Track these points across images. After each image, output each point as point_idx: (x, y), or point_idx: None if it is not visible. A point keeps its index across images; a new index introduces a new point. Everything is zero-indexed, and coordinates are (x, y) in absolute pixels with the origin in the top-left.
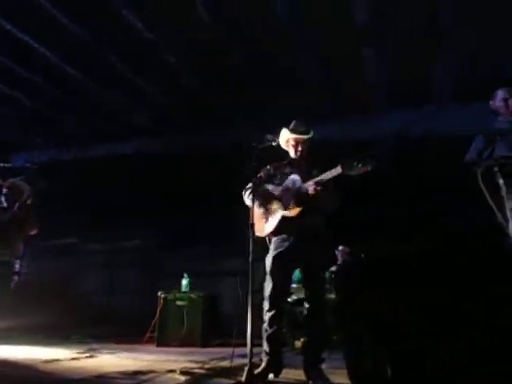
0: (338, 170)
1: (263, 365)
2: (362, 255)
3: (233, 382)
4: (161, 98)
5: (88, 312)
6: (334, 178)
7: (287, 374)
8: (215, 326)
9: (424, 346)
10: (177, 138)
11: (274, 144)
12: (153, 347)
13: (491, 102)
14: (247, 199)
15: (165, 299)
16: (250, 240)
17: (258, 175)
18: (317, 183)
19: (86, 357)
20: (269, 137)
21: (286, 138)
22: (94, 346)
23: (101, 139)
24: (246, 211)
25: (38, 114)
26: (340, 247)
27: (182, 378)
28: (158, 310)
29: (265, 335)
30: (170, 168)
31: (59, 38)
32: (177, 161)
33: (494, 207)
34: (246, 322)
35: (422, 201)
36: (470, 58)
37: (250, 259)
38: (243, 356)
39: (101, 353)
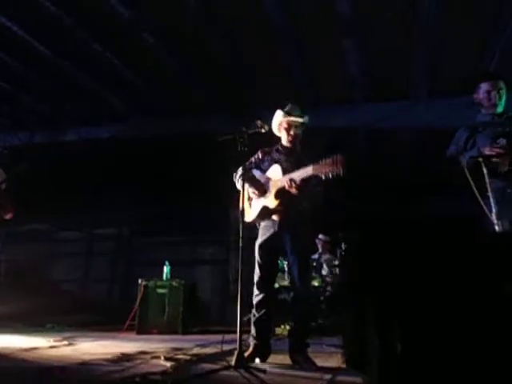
0: (308, 172)
1: (250, 349)
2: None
3: (219, 366)
4: (140, 82)
5: (63, 300)
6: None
7: (273, 358)
8: (195, 313)
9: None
10: (155, 124)
11: (263, 131)
12: (133, 335)
13: (475, 96)
14: (237, 183)
15: (145, 287)
16: (240, 224)
17: (250, 160)
18: (291, 180)
19: (65, 345)
20: (258, 123)
21: (280, 121)
22: (72, 334)
23: (76, 123)
24: (225, 199)
25: (9, 96)
26: (320, 236)
27: (168, 364)
28: (139, 298)
29: (252, 320)
30: (148, 154)
31: (33, 17)
32: (155, 147)
33: (478, 196)
34: (224, 309)
35: (394, 192)
36: (445, 55)
37: (241, 244)
38: (225, 343)
39: (79, 341)
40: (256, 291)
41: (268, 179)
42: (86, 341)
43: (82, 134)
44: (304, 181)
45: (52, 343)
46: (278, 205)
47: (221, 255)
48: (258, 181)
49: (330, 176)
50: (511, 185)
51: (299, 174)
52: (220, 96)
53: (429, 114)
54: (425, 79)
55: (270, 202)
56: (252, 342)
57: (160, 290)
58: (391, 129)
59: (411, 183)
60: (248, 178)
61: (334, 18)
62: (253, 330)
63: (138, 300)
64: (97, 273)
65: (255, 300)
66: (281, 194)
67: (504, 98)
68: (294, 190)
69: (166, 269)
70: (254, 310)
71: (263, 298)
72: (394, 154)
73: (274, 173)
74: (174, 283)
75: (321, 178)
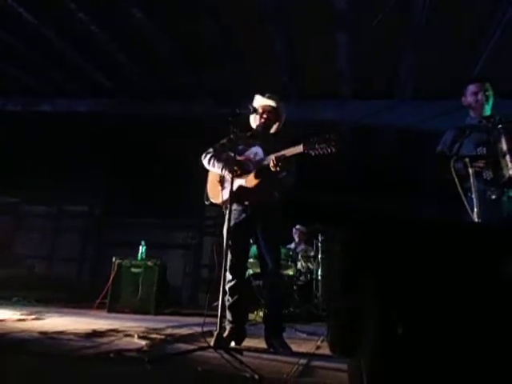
0: (299, 148)
1: (226, 332)
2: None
3: (194, 347)
4: (126, 59)
5: (30, 276)
6: (296, 156)
7: (248, 342)
8: (166, 295)
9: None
10: (137, 104)
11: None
12: (104, 313)
13: (463, 99)
14: (207, 163)
15: (119, 265)
16: (228, 208)
17: (221, 142)
18: (277, 158)
19: (33, 318)
20: (251, 106)
21: (256, 105)
22: (39, 309)
23: (53, 94)
24: (202, 184)
25: None
26: (297, 226)
27: (142, 342)
28: (112, 277)
29: (227, 304)
30: (126, 133)
31: None
32: (133, 127)
33: (463, 195)
34: (196, 294)
35: (375, 188)
36: (432, 57)
37: (226, 227)
38: (198, 325)
39: (48, 316)
40: (229, 276)
41: (248, 160)
42: (54, 316)
43: (59, 106)
44: (290, 158)
45: (19, 316)
46: (257, 184)
47: (194, 240)
48: (239, 161)
49: (322, 152)
50: (492, 189)
51: (288, 151)
52: (207, 81)
53: (413, 115)
54: (410, 80)
55: (249, 181)
56: (228, 325)
57: (134, 270)
58: (375, 126)
59: (391, 180)
60: (224, 159)
61: (327, 12)
62: (228, 315)
63: (111, 278)
64: (66, 250)
65: (228, 285)
66: (262, 173)
67: (491, 101)
68: (278, 168)
69: (141, 248)
70: (227, 295)
71: (236, 283)
72: (376, 151)
73: (256, 153)
74: (149, 263)
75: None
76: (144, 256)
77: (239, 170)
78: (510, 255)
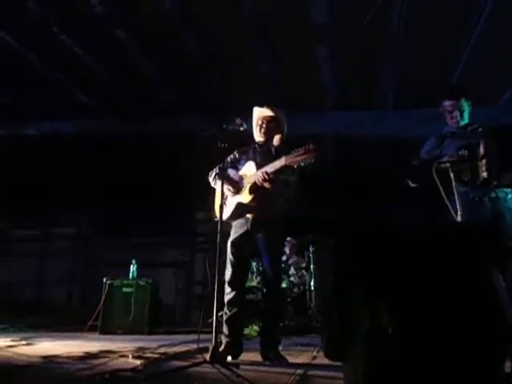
0: (281, 162)
1: (222, 347)
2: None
3: (189, 363)
4: (109, 78)
5: (20, 302)
6: (299, 170)
7: (244, 356)
8: (159, 314)
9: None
10: (124, 122)
11: (241, 129)
12: (96, 335)
13: (440, 109)
14: (212, 181)
15: (110, 286)
16: (219, 223)
17: (226, 159)
18: (263, 173)
19: (24, 344)
20: (237, 120)
21: (255, 117)
22: (29, 334)
23: (39, 117)
24: (191, 200)
25: None
26: (288, 239)
27: (137, 362)
28: (103, 297)
29: (224, 318)
30: (112, 153)
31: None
32: (120, 146)
33: (446, 199)
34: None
35: (362, 197)
36: (411, 68)
37: (218, 240)
38: (193, 342)
39: (39, 341)
40: (228, 289)
41: (242, 176)
42: (45, 340)
43: (45, 129)
44: (276, 173)
45: (9, 343)
46: (252, 200)
47: (185, 257)
48: (232, 178)
49: (303, 165)
50: (473, 191)
51: (272, 166)
52: (193, 97)
53: (395, 125)
54: (391, 90)
55: (244, 197)
56: (224, 339)
57: (126, 289)
58: (359, 137)
59: (378, 189)
60: (224, 177)
61: (308, 26)
62: (225, 329)
63: (103, 299)
64: (54, 274)
65: (227, 298)
66: (255, 188)
67: (466, 113)
68: (266, 184)
69: (132, 267)
70: (225, 308)
71: (235, 295)
72: (361, 161)
73: (248, 169)
74: (140, 282)
75: (292, 171)
76: (135, 275)
77: (233, 188)
78: (492, 254)
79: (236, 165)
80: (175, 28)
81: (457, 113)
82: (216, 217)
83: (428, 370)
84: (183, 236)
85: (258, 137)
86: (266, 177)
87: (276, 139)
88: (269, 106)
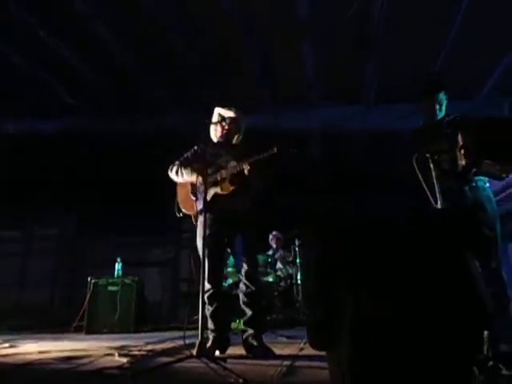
0: (273, 151)
1: (209, 342)
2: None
3: (176, 358)
4: (92, 76)
5: (0, 304)
6: (267, 164)
7: (231, 350)
8: (145, 312)
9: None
10: (106, 120)
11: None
12: (82, 335)
13: (419, 105)
14: (174, 175)
15: (95, 285)
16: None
17: (184, 155)
18: (252, 163)
19: (6, 347)
20: (207, 120)
21: (216, 117)
22: (12, 337)
23: (19, 114)
24: (176, 198)
25: None
26: (274, 233)
27: (123, 360)
28: (88, 296)
29: (208, 313)
30: (95, 151)
31: None
32: (104, 145)
33: (427, 190)
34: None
35: (346, 192)
36: (393, 62)
37: (203, 234)
38: (180, 338)
39: (22, 343)
40: (207, 285)
41: (220, 167)
42: (29, 342)
43: (26, 126)
44: (263, 163)
45: None
46: (233, 191)
47: (171, 254)
48: (205, 169)
49: (293, 153)
50: (453, 180)
51: (262, 155)
52: (179, 94)
53: (378, 119)
54: (375, 85)
55: (225, 188)
56: (211, 335)
57: (111, 288)
58: (344, 132)
59: (365, 182)
60: (194, 169)
61: (292, 22)
62: (210, 324)
63: (87, 298)
64: (37, 275)
65: (207, 294)
66: (236, 178)
67: (444, 106)
68: (252, 174)
69: (117, 265)
70: (207, 304)
71: (214, 292)
72: (348, 155)
73: (227, 161)
74: (126, 280)
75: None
76: (120, 274)
77: (215, 179)
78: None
79: (199, 159)
80: (161, 26)
81: (436, 106)
82: (181, 212)
83: (410, 358)
84: (168, 233)
85: (218, 135)
86: (255, 167)
87: (235, 138)
88: (231, 107)
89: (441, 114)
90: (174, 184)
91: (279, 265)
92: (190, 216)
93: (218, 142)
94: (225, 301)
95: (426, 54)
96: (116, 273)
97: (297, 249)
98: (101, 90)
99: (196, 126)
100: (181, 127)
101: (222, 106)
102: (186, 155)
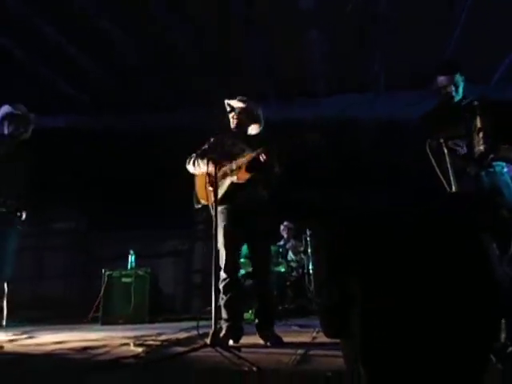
0: (284, 140)
1: (223, 331)
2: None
3: (190, 348)
4: (100, 73)
5: (18, 297)
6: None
7: (244, 340)
8: (159, 303)
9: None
10: (117, 117)
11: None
12: (97, 326)
13: (434, 87)
14: (192, 167)
15: (109, 277)
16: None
17: (202, 148)
18: (267, 151)
19: (25, 338)
20: (216, 110)
21: (228, 108)
22: (30, 328)
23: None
24: (188, 190)
25: None
26: (285, 223)
27: (139, 349)
28: (103, 289)
29: (222, 303)
30: (106, 146)
31: None
32: (117, 139)
33: (440, 175)
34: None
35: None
36: (401, 48)
37: (214, 225)
38: (194, 328)
39: (40, 334)
40: (223, 274)
41: (235, 156)
42: (47, 334)
43: (39, 122)
44: (276, 151)
45: (11, 337)
46: (249, 179)
47: (184, 246)
48: (221, 159)
49: (308, 143)
50: (470, 165)
51: (273, 146)
52: (185, 88)
53: (388, 107)
54: (383, 72)
55: (241, 176)
56: (224, 324)
57: (125, 280)
58: (352, 120)
59: (374, 171)
60: (210, 159)
61: (296, 11)
62: (224, 313)
63: (102, 290)
64: (53, 269)
65: (222, 284)
66: (253, 166)
67: (461, 88)
68: (268, 161)
69: (130, 258)
70: (221, 294)
71: (229, 282)
72: (354, 145)
73: (242, 149)
74: (139, 272)
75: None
76: (134, 265)
77: (229, 168)
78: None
79: (218, 149)
80: (164, 21)
81: (452, 87)
82: (198, 203)
83: (423, 344)
84: (182, 225)
85: (232, 126)
86: (271, 154)
87: (252, 128)
88: (241, 97)
89: (457, 97)
90: (190, 176)
91: (291, 255)
92: (207, 206)
93: (234, 131)
94: (239, 291)
95: (437, 38)
96: (129, 265)
97: (308, 239)
98: (110, 86)
99: (203, 121)
100: (188, 122)
101: (232, 97)
102: (203, 147)
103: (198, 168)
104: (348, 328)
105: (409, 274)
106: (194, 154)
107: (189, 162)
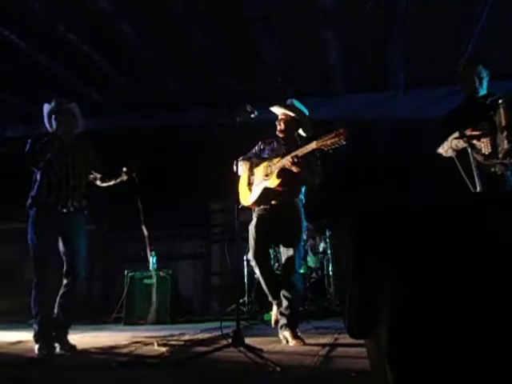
0: (312, 146)
1: (274, 311)
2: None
3: (213, 347)
4: (116, 74)
5: None
6: (320, 156)
7: (266, 341)
8: (179, 304)
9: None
10: (131, 117)
11: (252, 116)
12: (120, 326)
13: (458, 84)
14: (237, 169)
15: (132, 278)
16: (236, 208)
17: (251, 151)
18: (292, 157)
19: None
20: (248, 107)
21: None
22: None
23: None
24: (205, 192)
25: None
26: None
27: (163, 349)
28: (126, 289)
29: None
30: (123, 147)
31: (7, 5)
32: (134, 140)
33: (463, 173)
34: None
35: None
36: (421, 46)
37: (236, 225)
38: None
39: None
40: (255, 265)
41: (270, 163)
42: (72, 333)
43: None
44: (304, 157)
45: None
46: (279, 184)
47: (202, 249)
48: (259, 164)
49: (333, 147)
50: (495, 164)
51: (302, 150)
52: (202, 90)
53: (407, 105)
54: (402, 70)
55: (272, 181)
56: (272, 300)
57: (147, 281)
58: (371, 120)
59: (393, 171)
60: (248, 163)
61: (314, 9)
62: (266, 291)
63: (125, 291)
64: None
65: (256, 269)
66: (283, 173)
67: (485, 82)
68: (294, 168)
69: (152, 259)
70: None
71: (261, 266)
72: (374, 144)
73: (276, 156)
74: (161, 273)
75: (316, 160)
76: (155, 267)
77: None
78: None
79: (261, 154)
80: (180, 19)
81: (475, 79)
82: (240, 204)
83: (453, 344)
84: (199, 227)
85: (277, 131)
86: (296, 160)
87: (300, 131)
88: (285, 104)
89: (482, 91)
90: (209, 179)
91: (310, 256)
92: (247, 208)
93: (279, 137)
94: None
95: (457, 35)
96: (151, 266)
97: (327, 239)
98: (128, 88)
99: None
100: (205, 123)
101: (280, 104)
102: (252, 151)
103: (240, 171)
104: (375, 324)
105: (435, 274)
106: (241, 157)
107: (235, 164)
